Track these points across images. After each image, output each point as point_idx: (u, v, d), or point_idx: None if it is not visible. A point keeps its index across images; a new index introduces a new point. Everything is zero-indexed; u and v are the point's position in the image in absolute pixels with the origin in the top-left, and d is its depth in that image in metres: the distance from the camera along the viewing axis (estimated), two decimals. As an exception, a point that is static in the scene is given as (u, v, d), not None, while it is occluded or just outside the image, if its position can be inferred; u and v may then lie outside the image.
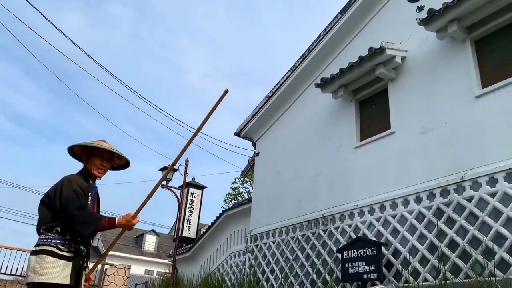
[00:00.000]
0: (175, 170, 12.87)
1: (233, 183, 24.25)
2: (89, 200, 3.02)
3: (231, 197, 23.87)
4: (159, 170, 13.09)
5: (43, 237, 2.81)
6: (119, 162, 3.32)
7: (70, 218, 2.79)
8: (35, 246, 2.82)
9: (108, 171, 3.26)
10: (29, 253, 2.84)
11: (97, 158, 3.12)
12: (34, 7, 8.64)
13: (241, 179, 23.23)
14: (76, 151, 3.18)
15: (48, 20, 8.77)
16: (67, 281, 2.73)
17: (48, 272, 2.69)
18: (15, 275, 12.10)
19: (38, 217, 2.91)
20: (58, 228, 2.82)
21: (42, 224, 2.85)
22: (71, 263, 2.80)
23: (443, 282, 5.38)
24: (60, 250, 2.78)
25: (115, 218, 2.87)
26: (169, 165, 13.08)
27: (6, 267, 11.75)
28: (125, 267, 13.41)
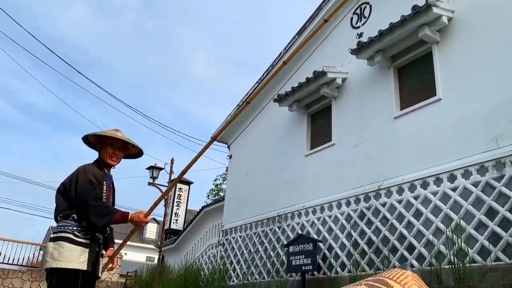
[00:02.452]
0: (161, 169, 14.03)
1: (215, 180, 25.61)
2: (104, 189, 3.10)
3: (213, 192, 25.23)
4: (146, 169, 14.24)
5: (60, 224, 2.91)
6: (134, 151, 3.39)
7: (85, 208, 2.87)
8: (53, 233, 2.92)
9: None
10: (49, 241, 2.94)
11: (109, 147, 3.19)
12: (11, 17, 9.69)
13: (223, 176, 24.49)
14: (91, 141, 3.28)
15: (25, 30, 9.84)
16: (84, 266, 2.82)
17: (65, 258, 2.77)
18: (17, 264, 13.42)
19: (55, 205, 3.02)
20: (75, 216, 2.92)
21: (59, 212, 2.95)
22: (88, 249, 2.88)
23: (362, 273, 6.54)
24: (77, 236, 2.87)
25: (128, 213, 2.95)
26: (155, 164, 14.25)
27: (9, 258, 13.09)
28: (117, 257, 14.66)
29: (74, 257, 2.79)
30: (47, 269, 2.83)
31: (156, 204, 3.27)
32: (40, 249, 14.84)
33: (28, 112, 70.80)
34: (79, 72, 18.30)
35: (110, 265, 3.28)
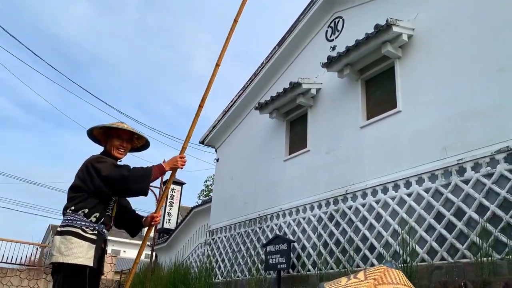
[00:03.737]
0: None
1: (205, 181, 26.24)
2: None
3: (204, 193, 25.83)
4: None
5: (68, 218, 2.85)
6: (139, 143, 3.32)
7: (125, 183, 2.81)
8: (60, 226, 2.87)
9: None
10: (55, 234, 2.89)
11: (116, 139, 3.12)
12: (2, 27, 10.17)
13: (213, 177, 25.11)
14: (96, 135, 3.21)
15: (7, 32, 10.34)
16: (91, 263, 2.79)
17: (73, 253, 2.74)
18: (16, 263, 14.00)
19: (67, 198, 2.96)
20: (86, 210, 2.86)
21: (70, 205, 2.89)
22: (95, 245, 2.85)
23: (330, 271, 7.11)
24: (85, 232, 2.83)
25: (161, 164, 2.93)
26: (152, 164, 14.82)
27: (7, 257, 13.68)
28: (111, 256, 15.27)
29: (82, 252, 2.76)
30: (54, 264, 2.79)
31: (191, 130, 3.22)
32: (37, 248, 15.42)
33: (29, 109, 71.38)
34: (70, 79, 18.68)
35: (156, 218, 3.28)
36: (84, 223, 2.84)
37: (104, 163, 2.91)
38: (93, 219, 2.88)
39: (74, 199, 2.90)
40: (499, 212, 5.12)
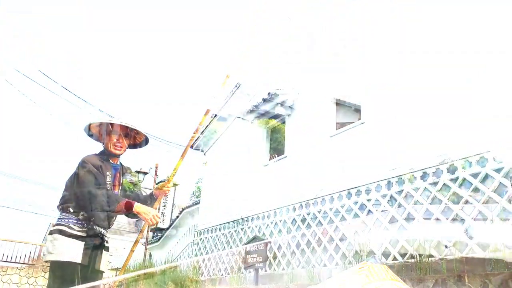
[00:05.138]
0: (145, 174, 15.21)
1: (197, 183, 26.81)
2: (108, 179, 3.01)
3: (196, 194, 26.39)
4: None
5: (59, 217, 2.92)
6: (139, 139, 3.30)
7: (89, 199, 2.85)
8: (52, 226, 2.95)
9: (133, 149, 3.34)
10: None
11: (113, 135, 3.10)
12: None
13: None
14: (95, 132, 3.20)
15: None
16: (77, 259, 2.79)
17: (57, 251, 2.78)
18: (14, 262, 14.67)
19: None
20: (70, 208, 2.90)
21: (60, 203, 2.96)
22: (83, 242, 2.85)
23: (301, 269, 7.73)
24: (71, 229, 2.85)
25: (132, 203, 2.88)
26: (141, 168, 15.41)
27: (7, 256, 14.35)
28: (108, 254, 15.91)
29: (66, 249, 2.79)
30: (46, 261, 2.91)
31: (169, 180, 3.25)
32: (36, 247, 16.07)
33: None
34: (62, 86, 19.27)
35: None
36: (71, 220, 2.88)
37: (82, 169, 2.93)
38: (81, 217, 2.89)
39: (63, 197, 2.97)
40: (441, 217, 5.74)
